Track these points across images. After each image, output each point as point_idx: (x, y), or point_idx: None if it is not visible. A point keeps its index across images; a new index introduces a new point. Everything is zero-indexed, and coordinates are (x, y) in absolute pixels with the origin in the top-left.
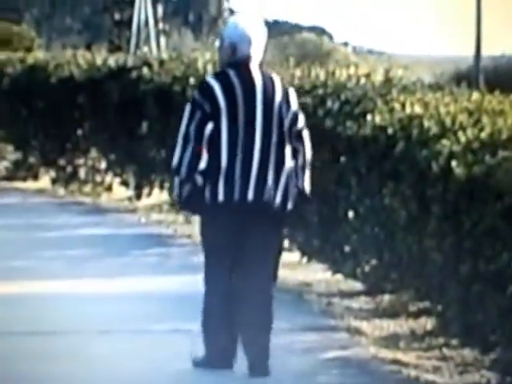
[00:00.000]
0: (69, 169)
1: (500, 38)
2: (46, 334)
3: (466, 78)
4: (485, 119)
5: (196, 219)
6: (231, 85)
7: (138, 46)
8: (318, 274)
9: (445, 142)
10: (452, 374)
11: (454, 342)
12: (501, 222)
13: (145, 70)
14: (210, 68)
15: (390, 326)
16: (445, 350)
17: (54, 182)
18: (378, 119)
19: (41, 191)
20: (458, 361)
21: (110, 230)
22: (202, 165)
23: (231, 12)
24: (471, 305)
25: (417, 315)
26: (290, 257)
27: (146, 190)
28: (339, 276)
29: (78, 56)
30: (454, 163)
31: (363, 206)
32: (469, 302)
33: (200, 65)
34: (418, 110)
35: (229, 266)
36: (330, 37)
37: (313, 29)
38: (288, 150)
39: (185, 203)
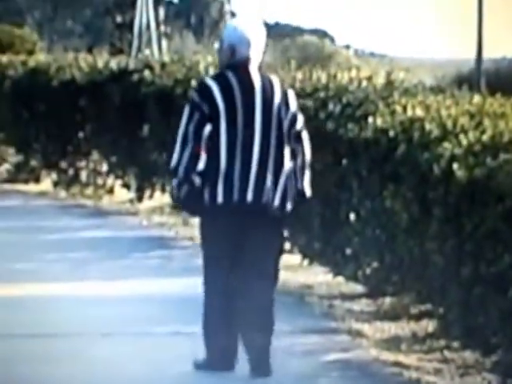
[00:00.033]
0: (70, 171)
1: (502, 40)
2: (48, 336)
3: (468, 80)
4: (486, 122)
5: (196, 221)
6: (230, 86)
7: (139, 48)
8: (320, 277)
9: (446, 144)
10: (453, 376)
11: (456, 344)
12: (502, 224)
13: (146, 73)
14: (211, 71)
15: (391, 328)
16: (446, 353)
17: (55, 184)
18: (379, 122)
19: (42, 194)
20: (459, 363)
21: (112, 233)
22: (200, 166)
23: (233, 15)
24: (472, 307)
25: (418, 317)
26: (292, 259)
27: (147, 193)
28: (340, 278)
29: (79, 59)
30: (455, 166)
31: (364, 208)
32: (470, 305)
33: (202, 68)
34: (419, 112)
35: (228, 266)
36: (332, 40)
37: (314, 31)
38: (287, 152)
39: (183, 204)
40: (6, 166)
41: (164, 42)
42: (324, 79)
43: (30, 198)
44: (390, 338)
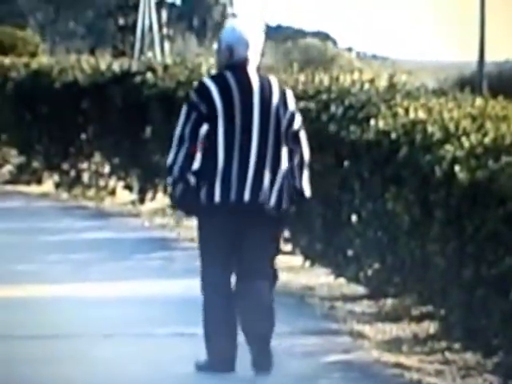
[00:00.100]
0: (72, 173)
1: (504, 43)
2: (49, 337)
3: (470, 83)
4: (488, 125)
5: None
6: (228, 86)
7: (142, 50)
8: (321, 278)
9: (448, 147)
10: (454, 377)
11: (457, 345)
12: (503, 226)
13: (149, 75)
14: (214, 73)
15: (392, 329)
16: (447, 354)
17: (57, 186)
18: (381, 124)
19: (44, 195)
20: (460, 364)
21: (114, 234)
22: (196, 165)
23: (235, 17)
24: (474, 309)
25: (419, 319)
26: (293, 260)
27: (149, 194)
28: (342, 280)
29: (82, 61)
30: (457, 168)
31: (366, 210)
32: (471, 307)
33: (204, 70)
34: (421, 115)
35: (225, 265)
36: (334, 42)
37: (317, 34)
38: (284, 151)
39: (178, 203)
40: (8, 167)
41: (166, 45)
42: (326, 82)
43: (31, 199)
44: (392, 340)
